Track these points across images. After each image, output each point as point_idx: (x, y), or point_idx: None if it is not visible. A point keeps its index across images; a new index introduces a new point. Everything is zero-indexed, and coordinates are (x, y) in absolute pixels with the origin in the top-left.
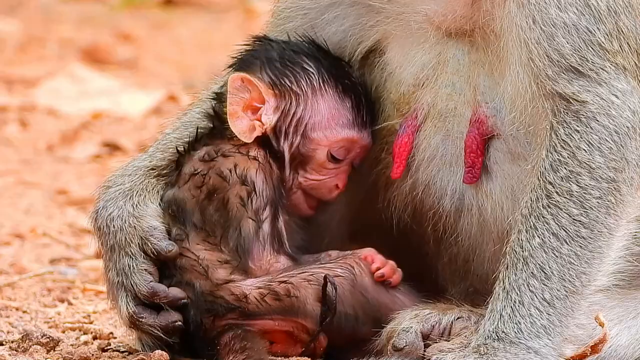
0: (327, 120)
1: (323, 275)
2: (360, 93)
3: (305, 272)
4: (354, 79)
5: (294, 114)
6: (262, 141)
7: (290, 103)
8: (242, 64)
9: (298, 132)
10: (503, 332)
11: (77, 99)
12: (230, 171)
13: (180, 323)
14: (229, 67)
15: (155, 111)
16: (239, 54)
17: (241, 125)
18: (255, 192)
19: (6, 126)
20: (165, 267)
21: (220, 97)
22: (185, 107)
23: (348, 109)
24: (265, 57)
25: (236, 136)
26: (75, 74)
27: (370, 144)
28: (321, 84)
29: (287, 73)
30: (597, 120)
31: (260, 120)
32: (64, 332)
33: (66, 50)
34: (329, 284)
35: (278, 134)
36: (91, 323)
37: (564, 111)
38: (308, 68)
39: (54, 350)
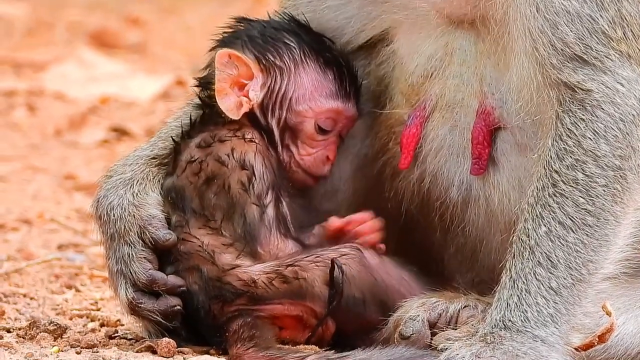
0: (311, 92)
1: (330, 257)
2: (342, 65)
3: (313, 254)
4: (335, 52)
5: (278, 89)
6: (253, 121)
7: (275, 78)
8: (224, 43)
9: (283, 106)
10: (510, 320)
11: (85, 84)
12: (228, 156)
13: (179, 307)
14: (211, 50)
15: (163, 96)
16: (220, 35)
17: (228, 102)
18: (256, 176)
19: (14, 111)
20: (170, 253)
21: (204, 83)
22: (190, 95)
23: (331, 80)
24: (246, 35)
25: (229, 120)
26: (84, 58)
27: (356, 114)
28: (302, 57)
29: (269, 48)
30: (602, 109)
31: (247, 97)
32: (71, 319)
33: (74, 35)
34: (336, 267)
35: (265, 110)
36: (98, 310)
37: (569, 100)
38: (289, 43)
39: (61, 338)
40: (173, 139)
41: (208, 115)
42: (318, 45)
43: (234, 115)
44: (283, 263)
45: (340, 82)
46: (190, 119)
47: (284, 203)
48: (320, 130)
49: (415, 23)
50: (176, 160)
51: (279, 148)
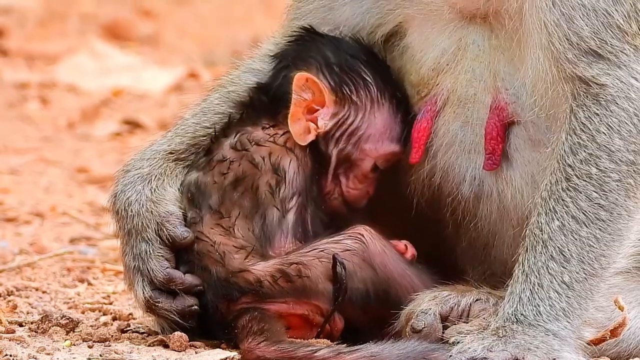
0: (381, 133)
1: (333, 251)
2: (407, 108)
3: (315, 248)
4: (404, 91)
5: (351, 123)
6: (311, 145)
7: (349, 112)
8: (297, 60)
9: (351, 141)
10: (522, 314)
11: (97, 76)
12: (264, 159)
13: (196, 307)
14: (280, 59)
15: (176, 88)
16: (289, 46)
17: (298, 127)
18: (285, 181)
19: (27, 103)
20: (184, 251)
21: (263, 89)
22: (205, 92)
23: (398, 123)
24: (322, 58)
25: (272, 126)
26: (96, 50)
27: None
28: (379, 97)
29: (347, 81)
30: (617, 103)
31: (315, 123)
32: (83, 312)
33: (87, 27)
34: (337, 263)
35: (329, 139)
36: (111, 304)
37: (583, 94)
38: (367, 77)
39: (74, 332)
40: (210, 138)
41: (248, 115)
42: (390, 83)
43: (300, 140)
44: (286, 261)
45: (404, 125)
46: (229, 118)
47: (308, 210)
48: (375, 169)
49: (428, 17)
50: (206, 157)
51: (329, 176)
